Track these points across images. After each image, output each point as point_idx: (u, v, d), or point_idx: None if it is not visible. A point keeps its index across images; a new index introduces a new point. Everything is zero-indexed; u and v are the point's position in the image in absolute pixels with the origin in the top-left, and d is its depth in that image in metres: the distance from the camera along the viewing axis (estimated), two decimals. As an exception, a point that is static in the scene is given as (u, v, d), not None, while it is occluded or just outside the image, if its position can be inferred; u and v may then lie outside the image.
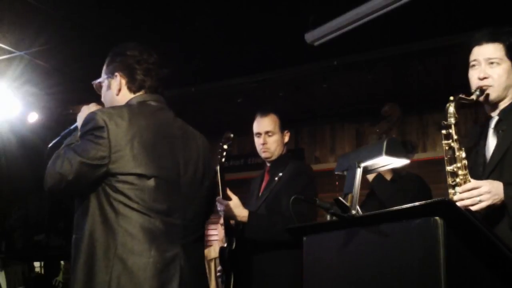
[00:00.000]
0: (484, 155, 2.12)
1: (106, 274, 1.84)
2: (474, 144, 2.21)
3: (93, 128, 1.94)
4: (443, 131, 2.06)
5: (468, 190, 1.93)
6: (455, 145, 2.04)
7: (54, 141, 2.23)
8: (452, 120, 2.04)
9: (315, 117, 5.71)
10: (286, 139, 3.13)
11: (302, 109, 5.59)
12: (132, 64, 2.11)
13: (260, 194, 3.08)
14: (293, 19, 3.84)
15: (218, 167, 3.00)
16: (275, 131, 3.06)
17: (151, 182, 1.95)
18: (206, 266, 4.46)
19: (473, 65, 2.14)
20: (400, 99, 4.76)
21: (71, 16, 3.88)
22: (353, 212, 1.75)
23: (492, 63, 2.09)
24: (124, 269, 1.86)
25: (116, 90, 2.12)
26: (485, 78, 2.09)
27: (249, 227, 2.87)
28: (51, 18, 3.85)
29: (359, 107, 5.39)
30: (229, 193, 2.92)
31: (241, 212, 2.87)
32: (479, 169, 2.10)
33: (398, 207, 1.58)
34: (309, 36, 3.79)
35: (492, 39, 2.11)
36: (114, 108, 2.06)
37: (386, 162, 2.02)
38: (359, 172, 1.94)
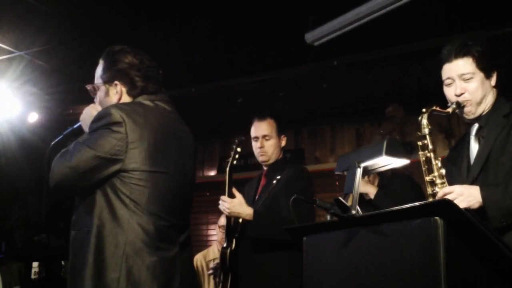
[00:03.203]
0: (468, 161, 2.16)
1: (116, 272, 1.85)
2: (458, 152, 2.26)
3: (109, 123, 1.93)
4: (419, 142, 2.10)
5: (442, 197, 1.95)
6: (431, 155, 2.08)
7: (56, 140, 2.22)
8: (426, 131, 2.09)
9: (315, 117, 5.70)
10: (283, 143, 3.21)
11: (302, 109, 5.59)
12: (132, 72, 2.10)
13: (257, 197, 3.12)
14: (293, 19, 3.84)
15: (228, 168, 3.10)
16: (272, 135, 3.13)
17: (162, 181, 1.98)
18: (205, 266, 4.48)
19: (448, 83, 2.17)
20: (400, 99, 4.76)
21: (71, 16, 3.88)
22: (353, 212, 1.75)
23: (465, 78, 2.12)
24: (134, 267, 1.86)
25: (116, 98, 2.11)
26: (462, 94, 2.12)
27: (254, 225, 2.89)
28: (51, 18, 3.85)
29: (359, 107, 5.38)
30: (234, 191, 2.97)
31: (245, 209, 2.91)
32: (463, 176, 2.14)
33: (398, 207, 1.58)
34: (309, 36, 3.79)
35: (460, 54, 2.13)
36: (126, 104, 2.06)
37: (386, 162, 2.02)
38: (359, 172, 1.94)
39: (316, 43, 3.82)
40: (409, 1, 3.27)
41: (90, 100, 2.24)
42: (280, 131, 3.18)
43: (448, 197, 1.93)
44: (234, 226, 3.05)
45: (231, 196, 2.96)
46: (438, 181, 2.06)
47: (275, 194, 2.98)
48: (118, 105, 2.02)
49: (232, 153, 3.16)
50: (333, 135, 5.84)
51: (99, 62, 2.19)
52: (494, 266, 1.50)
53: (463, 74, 2.12)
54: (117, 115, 1.93)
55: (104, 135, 1.92)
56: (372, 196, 3.02)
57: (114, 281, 1.84)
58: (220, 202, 2.97)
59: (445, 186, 2.05)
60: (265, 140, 3.13)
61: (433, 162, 2.08)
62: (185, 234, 2.08)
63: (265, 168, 3.19)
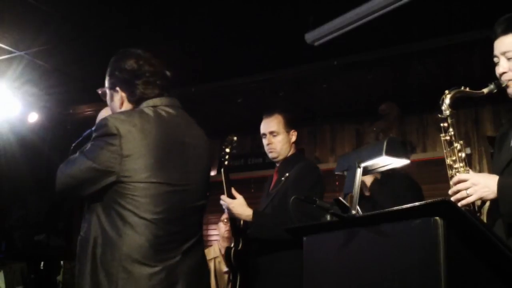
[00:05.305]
0: (509, 144, 2.01)
1: (111, 283, 1.86)
2: (507, 130, 2.09)
3: (104, 134, 1.96)
4: (441, 124, 2.02)
5: (455, 184, 1.90)
6: (452, 137, 2.00)
7: (76, 141, 2.23)
8: (447, 113, 2.00)
9: (315, 117, 5.71)
10: (293, 138, 3.15)
11: (302, 109, 5.59)
12: (130, 79, 2.10)
13: (268, 193, 3.10)
14: (293, 19, 3.84)
15: (222, 169, 3.08)
16: (279, 131, 3.09)
17: (160, 191, 1.97)
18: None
19: (495, 61, 2.03)
20: (400, 99, 4.77)
21: (71, 16, 3.88)
22: (353, 212, 1.75)
23: (508, 56, 1.97)
24: (130, 279, 1.87)
25: (118, 103, 2.14)
26: (504, 72, 1.98)
27: (254, 226, 2.88)
28: (51, 18, 3.85)
29: (359, 107, 5.38)
30: (234, 192, 2.95)
31: (245, 211, 2.90)
32: (501, 159, 2.00)
33: (398, 207, 1.58)
34: (309, 36, 3.78)
35: (504, 30, 1.97)
36: (125, 113, 2.05)
37: (386, 162, 2.02)
38: (359, 172, 1.94)
39: (316, 43, 3.82)
40: (409, 1, 3.27)
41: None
42: (289, 126, 3.12)
43: (461, 185, 1.87)
44: (242, 225, 3.04)
45: (231, 196, 2.95)
46: (455, 165, 1.97)
47: (283, 192, 2.95)
48: (116, 116, 2.02)
49: (222, 153, 3.14)
50: (333, 135, 5.84)
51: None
52: (494, 266, 1.50)
53: (505, 52, 1.96)
54: (112, 126, 1.95)
55: (99, 147, 1.95)
56: (368, 184, 3.03)
57: None
58: (221, 202, 2.97)
59: (465, 170, 1.94)
60: (272, 136, 3.09)
61: (454, 145, 1.99)
62: (190, 242, 2.06)
63: (277, 164, 3.16)
